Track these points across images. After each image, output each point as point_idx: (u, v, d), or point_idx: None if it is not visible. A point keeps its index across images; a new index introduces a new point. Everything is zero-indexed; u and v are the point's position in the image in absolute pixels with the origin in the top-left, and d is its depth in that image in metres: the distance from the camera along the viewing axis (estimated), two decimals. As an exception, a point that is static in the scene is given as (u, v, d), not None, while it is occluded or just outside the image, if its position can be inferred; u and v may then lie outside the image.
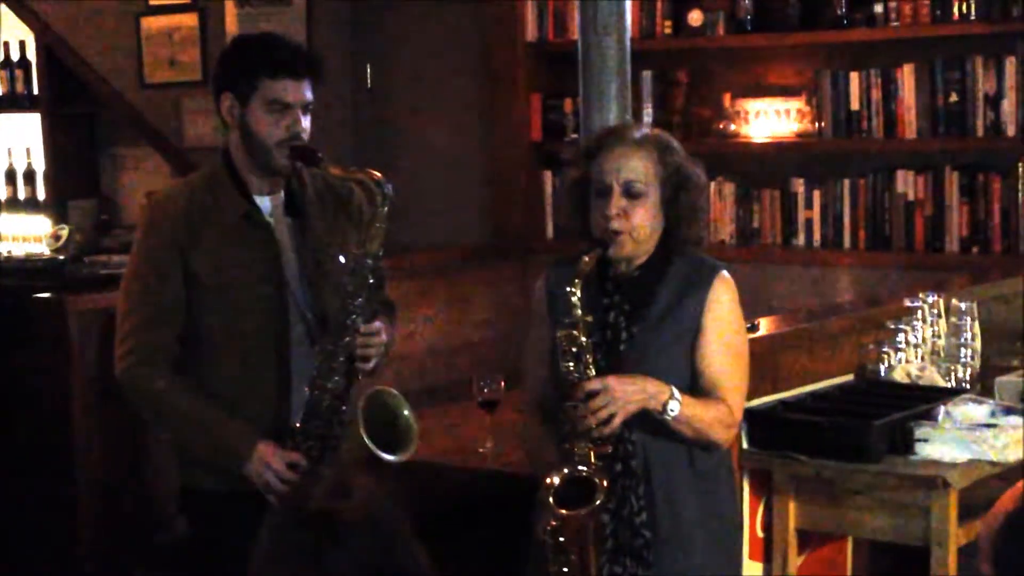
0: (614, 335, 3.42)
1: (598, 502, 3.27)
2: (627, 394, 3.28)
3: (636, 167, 3.40)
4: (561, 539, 3.28)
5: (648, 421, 3.35)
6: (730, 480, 3.61)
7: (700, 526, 3.44)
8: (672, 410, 3.32)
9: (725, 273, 3.49)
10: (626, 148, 3.42)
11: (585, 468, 3.28)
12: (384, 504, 2.13)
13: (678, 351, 3.43)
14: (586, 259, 3.35)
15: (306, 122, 3.54)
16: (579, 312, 3.31)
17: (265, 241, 3.56)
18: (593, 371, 3.30)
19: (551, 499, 3.26)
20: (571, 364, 3.31)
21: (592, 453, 3.29)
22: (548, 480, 3.27)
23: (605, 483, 3.28)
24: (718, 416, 3.40)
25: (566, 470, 3.28)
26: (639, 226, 3.39)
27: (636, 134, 3.48)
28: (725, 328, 3.45)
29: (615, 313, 3.44)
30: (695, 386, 3.43)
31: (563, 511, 3.26)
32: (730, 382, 3.44)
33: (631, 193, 3.39)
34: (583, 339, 3.31)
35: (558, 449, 3.35)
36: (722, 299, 3.45)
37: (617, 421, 3.28)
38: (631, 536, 3.38)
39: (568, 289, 3.32)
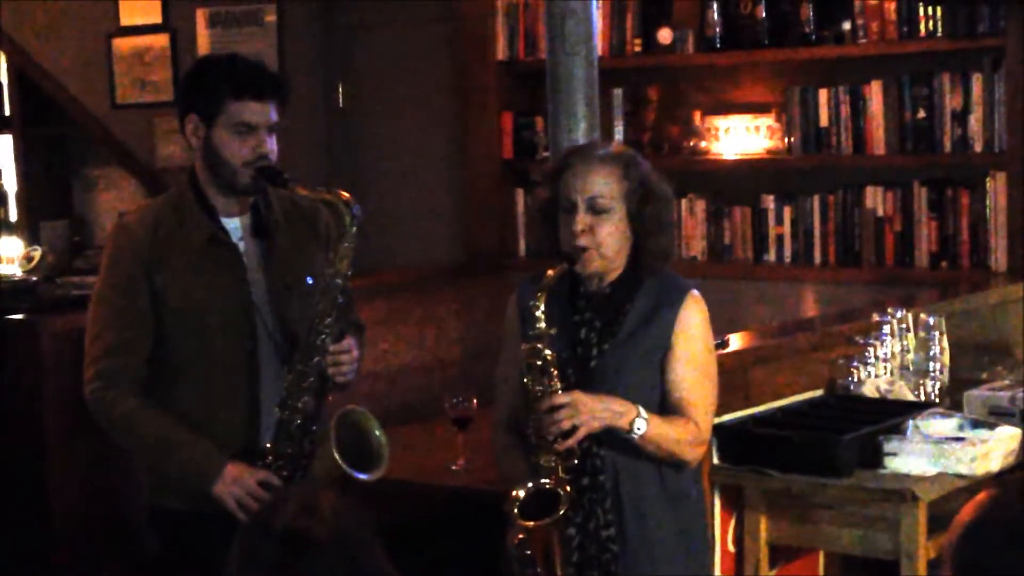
0: (585, 351, 3.44)
1: (561, 512, 3.29)
2: (593, 411, 3.30)
3: (600, 183, 3.41)
4: (527, 551, 3.30)
5: (617, 437, 3.37)
6: (700, 497, 3.61)
7: (669, 541, 3.45)
8: (639, 429, 3.33)
9: (696, 292, 3.51)
10: (590, 165, 3.44)
11: (548, 480, 3.30)
12: (354, 522, 2.14)
13: (648, 368, 3.45)
14: (550, 273, 3.36)
15: (272, 143, 3.53)
16: (543, 325, 3.33)
17: (232, 263, 3.55)
18: (558, 384, 3.32)
19: (515, 511, 3.28)
20: (536, 377, 3.32)
21: (559, 466, 3.31)
22: (513, 493, 3.29)
23: (568, 490, 3.30)
24: (686, 435, 3.42)
25: (531, 483, 3.30)
26: (605, 242, 3.41)
27: (600, 151, 3.50)
28: (695, 347, 3.47)
29: (586, 329, 3.45)
30: (664, 403, 3.45)
31: (526, 522, 3.28)
32: (699, 400, 3.46)
33: (596, 209, 3.41)
34: (547, 352, 3.32)
35: (527, 463, 3.37)
36: (692, 318, 3.47)
37: (580, 434, 3.29)
38: (598, 550, 3.39)
39: (531, 303, 3.34)
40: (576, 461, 3.35)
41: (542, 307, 3.33)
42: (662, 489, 3.46)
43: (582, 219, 3.40)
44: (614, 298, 3.47)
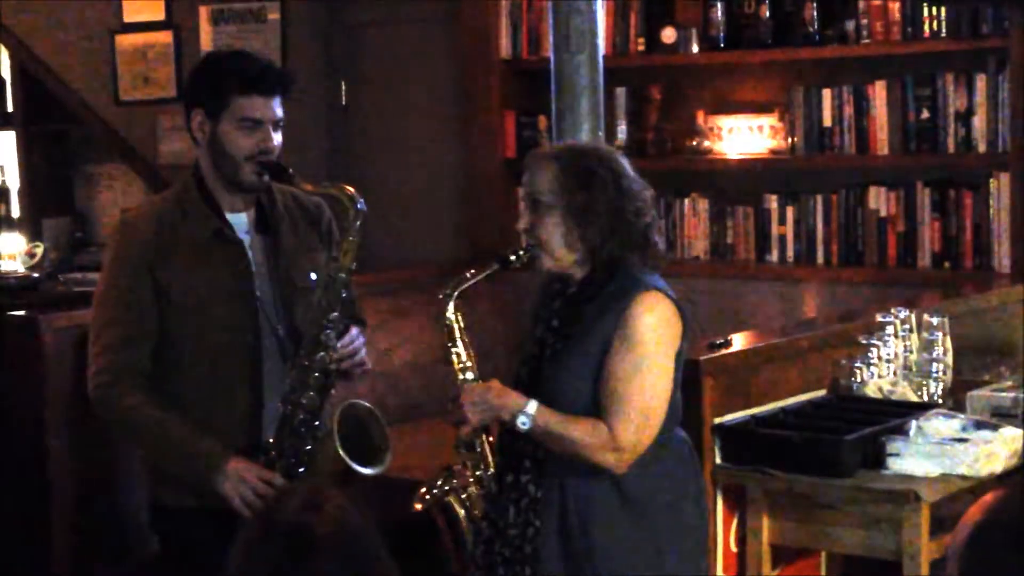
0: (539, 351, 3.42)
1: (426, 499, 3.48)
2: (472, 405, 3.35)
3: (536, 180, 3.37)
4: (441, 542, 3.50)
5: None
6: (684, 499, 3.45)
7: (626, 546, 3.33)
8: (522, 424, 3.28)
9: (654, 292, 3.30)
10: (533, 163, 3.42)
11: (446, 474, 3.50)
12: (357, 518, 2.13)
13: (587, 370, 3.30)
14: (469, 273, 3.47)
15: (277, 138, 3.54)
16: (452, 324, 3.48)
17: (236, 258, 3.56)
18: (470, 375, 3.44)
19: (424, 496, 3.49)
20: (452, 371, 3.47)
21: (465, 457, 3.49)
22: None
23: (456, 478, 3.48)
24: (587, 438, 3.25)
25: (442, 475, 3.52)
26: (546, 238, 3.35)
27: (551, 150, 3.50)
28: (634, 349, 3.26)
29: (542, 328, 3.43)
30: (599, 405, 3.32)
31: (415, 505, 3.49)
32: (622, 405, 3.25)
33: (534, 205, 3.38)
34: (453, 348, 3.46)
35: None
36: (637, 319, 3.27)
37: (465, 429, 3.39)
38: (504, 547, 3.38)
39: (440, 296, 3.47)
40: (467, 450, 3.47)
41: (453, 299, 3.48)
42: (619, 496, 3.33)
43: (524, 218, 3.40)
44: (576, 299, 3.39)
